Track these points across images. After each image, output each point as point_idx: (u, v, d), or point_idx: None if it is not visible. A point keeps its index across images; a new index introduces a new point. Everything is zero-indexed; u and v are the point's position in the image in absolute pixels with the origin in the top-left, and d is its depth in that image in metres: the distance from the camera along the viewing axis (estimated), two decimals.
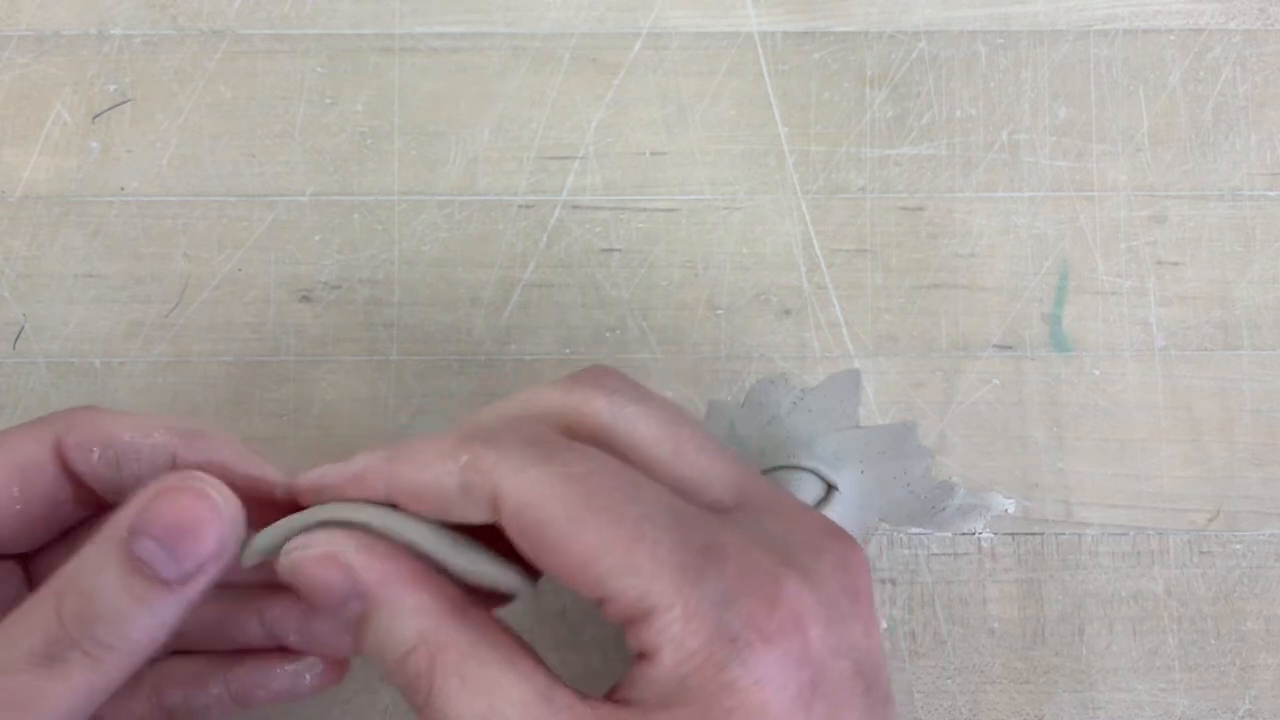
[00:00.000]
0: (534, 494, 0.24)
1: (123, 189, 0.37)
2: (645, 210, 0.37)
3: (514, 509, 0.24)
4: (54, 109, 0.37)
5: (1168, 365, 0.36)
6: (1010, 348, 0.36)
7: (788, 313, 0.36)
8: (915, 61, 0.38)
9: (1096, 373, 0.36)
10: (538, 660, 0.24)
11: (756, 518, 0.26)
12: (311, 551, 0.25)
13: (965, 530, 0.36)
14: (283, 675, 0.29)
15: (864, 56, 0.38)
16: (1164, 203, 0.37)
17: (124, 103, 0.37)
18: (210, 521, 0.25)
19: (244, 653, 0.30)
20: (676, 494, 0.25)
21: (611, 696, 0.24)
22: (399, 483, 0.25)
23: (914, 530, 0.36)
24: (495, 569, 0.25)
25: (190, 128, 0.37)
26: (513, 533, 0.24)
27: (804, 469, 0.35)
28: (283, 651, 0.29)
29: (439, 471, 0.25)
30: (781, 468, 0.35)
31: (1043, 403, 0.36)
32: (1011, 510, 0.36)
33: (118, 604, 0.24)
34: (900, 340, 0.36)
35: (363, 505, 0.26)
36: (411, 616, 0.24)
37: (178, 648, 0.30)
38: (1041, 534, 0.36)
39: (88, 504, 0.28)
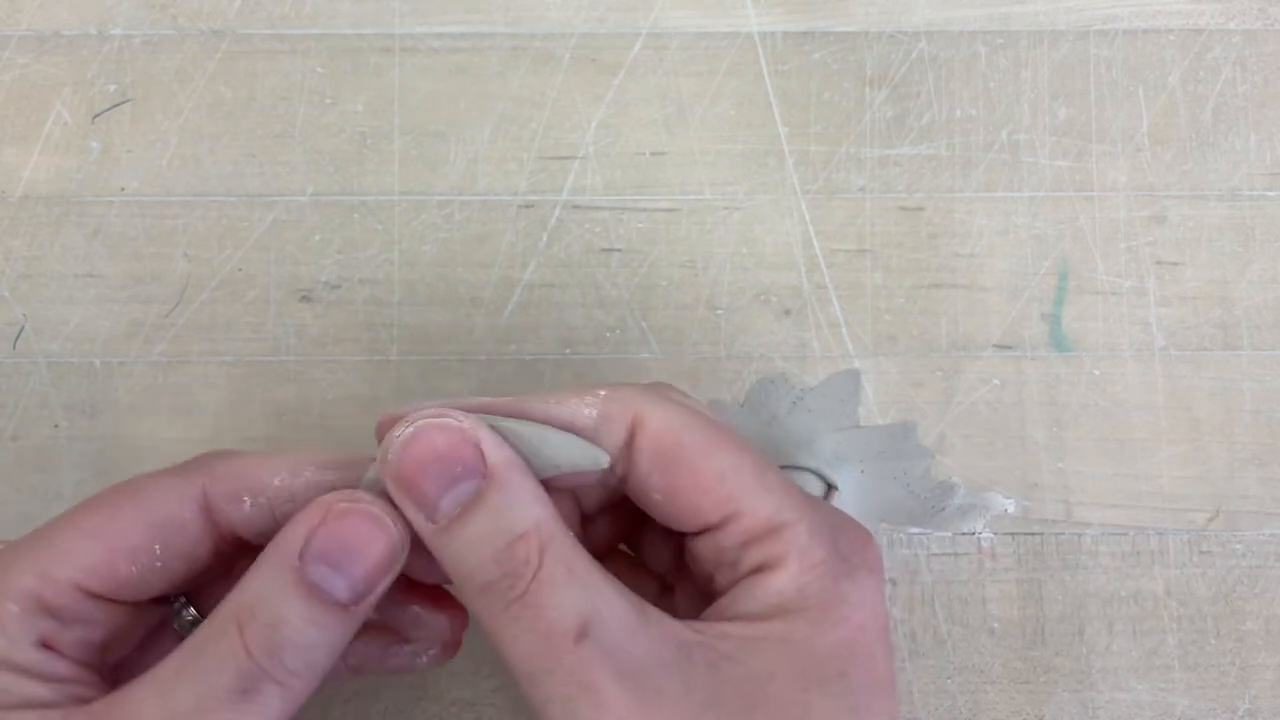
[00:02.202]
0: (674, 420, 0.26)
1: (123, 189, 0.37)
2: (645, 210, 0.37)
3: (656, 432, 0.26)
4: (54, 109, 0.37)
5: (1167, 365, 0.36)
6: (1010, 348, 0.36)
7: (788, 313, 0.36)
8: (915, 61, 0.38)
9: (1096, 373, 0.36)
10: (635, 591, 0.25)
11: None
12: (447, 421, 0.25)
13: (965, 530, 0.36)
14: (400, 654, 0.30)
15: (864, 56, 0.38)
16: (1164, 203, 0.37)
17: (124, 103, 0.37)
18: (379, 540, 0.25)
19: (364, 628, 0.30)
20: None
21: (701, 618, 0.26)
22: (534, 412, 0.26)
23: (914, 530, 0.36)
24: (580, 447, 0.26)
25: (190, 128, 0.37)
26: (646, 456, 0.26)
27: (804, 469, 0.35)
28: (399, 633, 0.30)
29: (574, 405, 0.26)
30: (782, 467, 0.35)
31: (1043, 403, 0.36)
32: (1011, 510, 0.36)
33: (302, 631, 0.25)
34: (900, 340, 0.36)
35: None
36: (529, 503, 0.25)
37: None
38: (1041, 534, 0.36)
39: (226, 552, 0.28)
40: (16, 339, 0.36)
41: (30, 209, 0.36)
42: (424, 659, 0.29)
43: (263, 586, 0.25)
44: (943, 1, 0.38)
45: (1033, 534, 0.36)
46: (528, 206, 0.37)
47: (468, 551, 0.25)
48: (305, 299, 0.36)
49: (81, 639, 0.26)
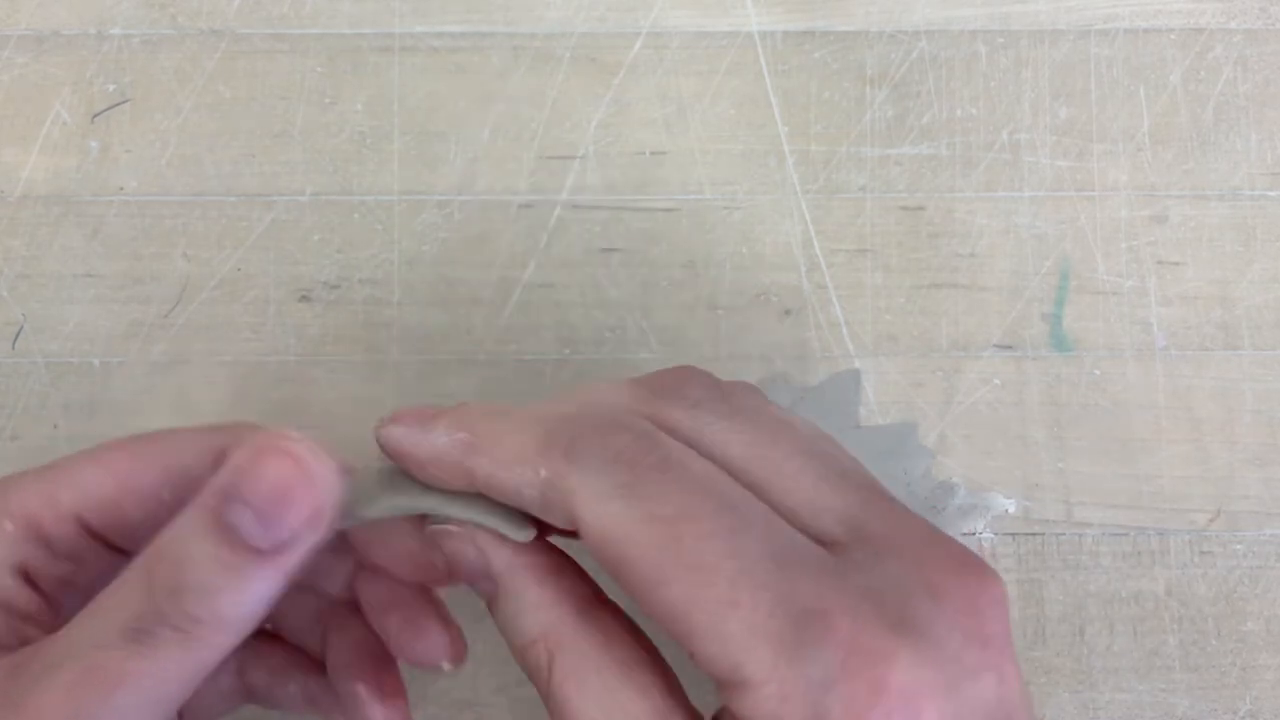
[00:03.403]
0: (615, 532, 0.22)
1: (122, 189, 0.37)
2: (645, 210, 0.37)
3: (594, 543, 0.22)
4: (53, 109, 0.37)
5: (1168, 365, 0.36)
6: (1011, 347, 0.36)
7: (788, 313, 0.36)
8: (915, 61, 0.38)
9: (1097, 372, 0.36)
10: (661, 671, 0.23)
11: (871, 560, 0.22)
12: (449, 528, 0.25)
13: (966, 530, 0.36)
14: (292, 695, 0.29)
15: (864, 56, 0.38)
16: (1165, 202, 0.37)
17: (123, 102, 0.37)
18: (304, 485, 0.23)
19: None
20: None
21: None
22: (477, 476, 0.24)
23: None
24: (501, 520, 0.25)
25: (190, 127, 0.37)
26: (594, 558, 0.23)
27: None
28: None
29: (518, 479, 0.23)
30: None
31: (1043, 403, 0.36)
32: (1012, 510, 0.36)
33: (208, 574, 0.23)
34: (900, 340, 0.36)
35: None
36: (535, 610, 0.24)
37: (273, 628, 0.29)
38: (1042, 534, 0.36)
39: None
40: (15, 339, 0.36)
41: (29, 209, 0.36)
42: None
43: (180, 525, 0.23)
44: (943, 1, 0.38)
45: (1033, 534, 0.36)
46: (528, 206, 0.37)
47: (504, 635, 0.25)
48: (305, 299, 0.36)
49: (63, 577, 0.25)
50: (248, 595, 0.23)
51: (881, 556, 0.22)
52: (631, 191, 0.37)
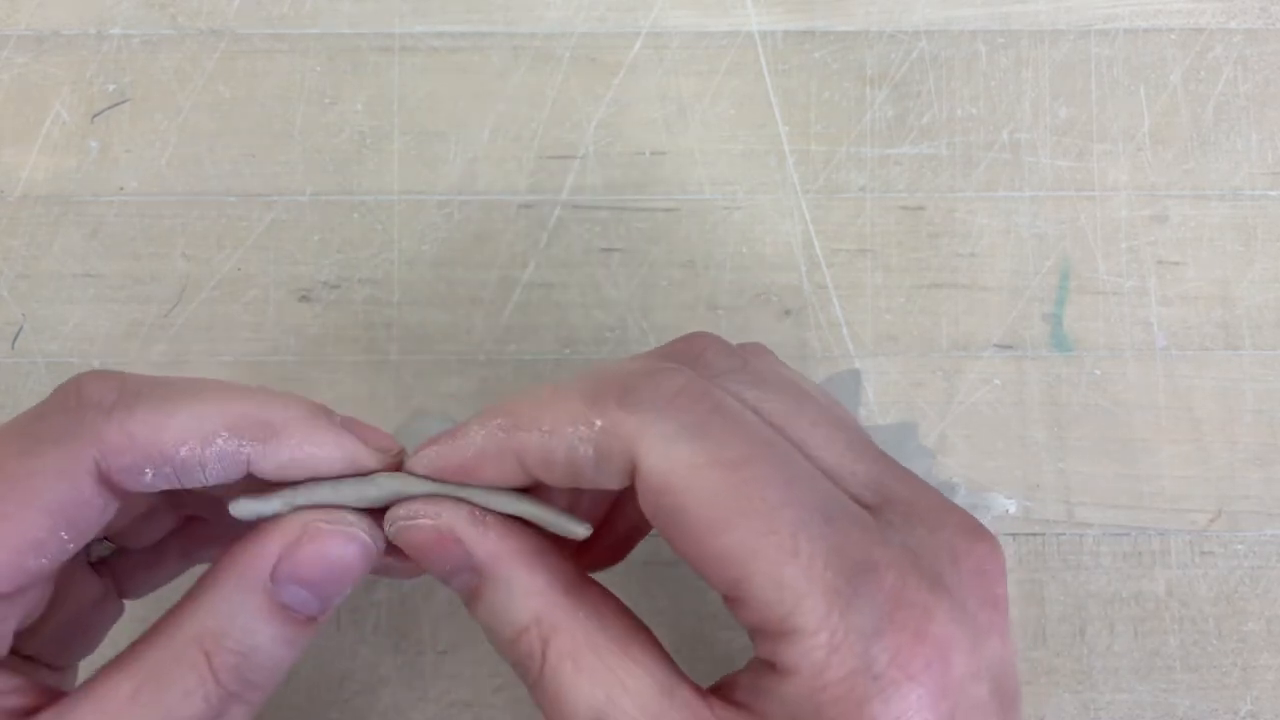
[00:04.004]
0: (679, 477, 0.21)
1: (122, 189, 0.37)
2: (645, 210, 0.37)
3: (654, 488, 0.22)
4: (53, 108, 0.37)
5: (1169, 365, 0.36)
6: (1011, 347, 0.36)
7: (788, 313, 0.36)
8: (915, 61, 0.38)
9: (1097, 373, 0.36)
10: (657, 647, 0.23)
11: (901, 522, 0.23)
12: (420, 523, 0.24)
13: None
14: None
15: (864, 56, 0.38)
16: (1165, 202, 0.37)
17: (123, 102, 0.37)
18: (355, 555, 0.24)
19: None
20: None
21: (732, 697, 0.23)
22: (528, 457, 0.23)
23: None
24: (551, 513, 0.24)
25: (189, 127, 0.37)
26: (646, 507, 0.22)
27: None
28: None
29: (571, 437, 0.23)
30: None
31: (1044, 403, 0.36)
32: (1012, 510, 0.36)
33: (274, 653, 0.24)
34: (901, 340, 0.36)
35: (379, 477, 0.25)
36: (524, 597, 0.23)
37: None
38: (1042, 534, 0.36)
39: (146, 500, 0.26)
40: (15, 339, 0.36)
41: (29, 208, 0.36)
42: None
43: (230, 610, 0.23)
44: (943, 1, 0.38)
45: (1034, 534, 0.36)
46: (527, 206, 0.37)
47: (487, 630, 0.24)
48: (304, 299, 0.36)
49: (10, 615, 0.25)
50: (301, 650, 0.24)
51: (909, 519, 0.23)
52: (631, 191, 0.37)
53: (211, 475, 0.24)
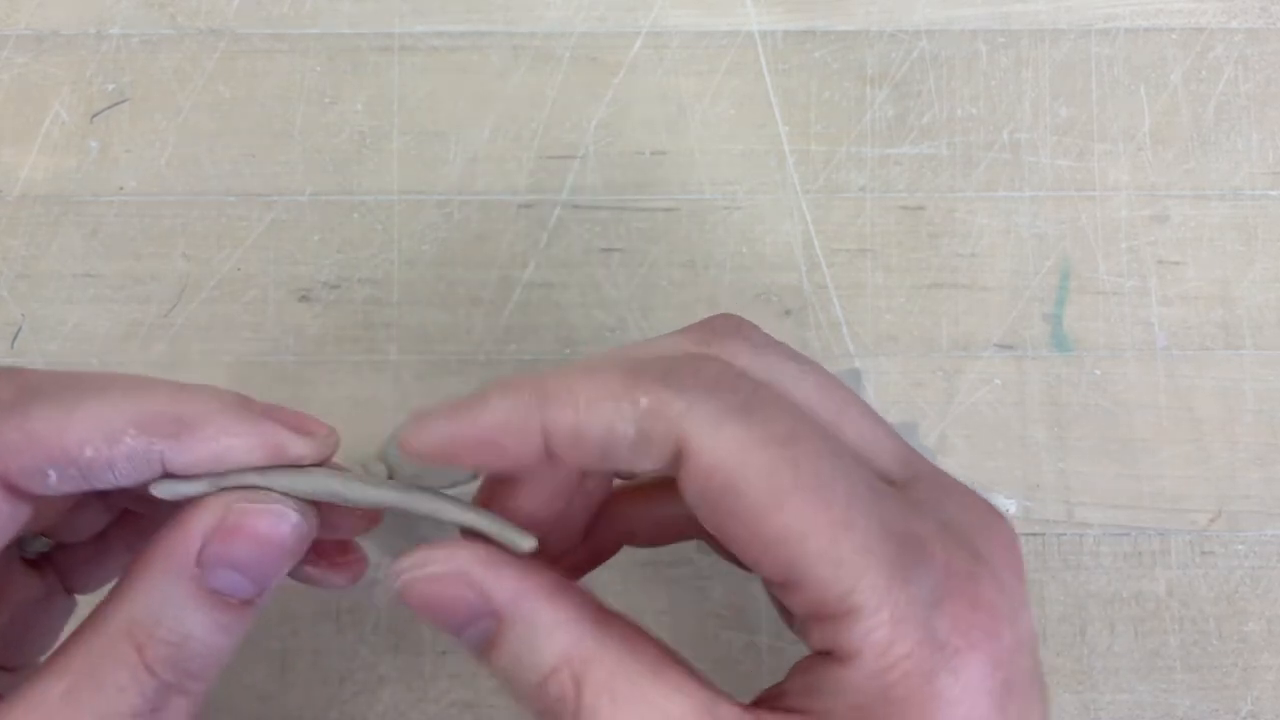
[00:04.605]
0: (731, 456, 0.21)
1: (121, 188, 0.36)
2: (645, 210, 0.37)
3: (703, 469, 0.21)
4: (53, 108, 0.37)
5: (1169, 365, 0.36)
6: (1011, 347, 0.36)
7: (788, 313, 0.36)
8: (916, 61, 0.38)
9: (1098, 373, 0.36)
10: (688, 668, 0.22)
11: (932, 497, 0.23)
12: (432, 570, 0.22)
13: None
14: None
15: (864, 56, 0.38)
16: (1165, 202, 0.37)
17: (122, 102, 0.37)
18: (285, 532, 0.23)
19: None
20: None
21: (782, 704, 0.22)
22: (558, 434, 0.22)
23: None
24: (497, 524, 0.23)
25: (189, 127, 0.37)
26: (693, 492, 0.21)
27: None
28: None
29: (611, 416, 0.21)
30: None
31: (1044, 403, 0.36)
32: (1013, 511, 0.36)
33: (208, 641, 0.23)
34: (901, 340, 0.36)
35: (311, 471, 0.24)
36: (552, 634, 0.22)
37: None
38: (1043, 534, 0.36)
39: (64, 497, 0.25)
40: (15, 339, 0.36)
41: (28, 208, 0.36)
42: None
43: (159, 599, 0.22)
44: (943, 0, 0.38)
45: (1034, 534, 0.35)
46: (527, 206, 0.37)
47: (508, 681, 0.22)
48: (304, 299, 0.36)
49: None
50: (240, 636, 0.23)
51: (938, 495, 0.23)
52: (631, 191, 0.37)
53: (122, 475, 0.23)
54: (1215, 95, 0.38)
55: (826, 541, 0.20)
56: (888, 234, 0.37)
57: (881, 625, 0.20)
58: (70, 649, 0.23)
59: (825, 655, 0.21)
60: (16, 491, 0.23)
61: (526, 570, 0.23)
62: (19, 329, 0.36)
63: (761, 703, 0.22)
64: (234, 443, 0.23)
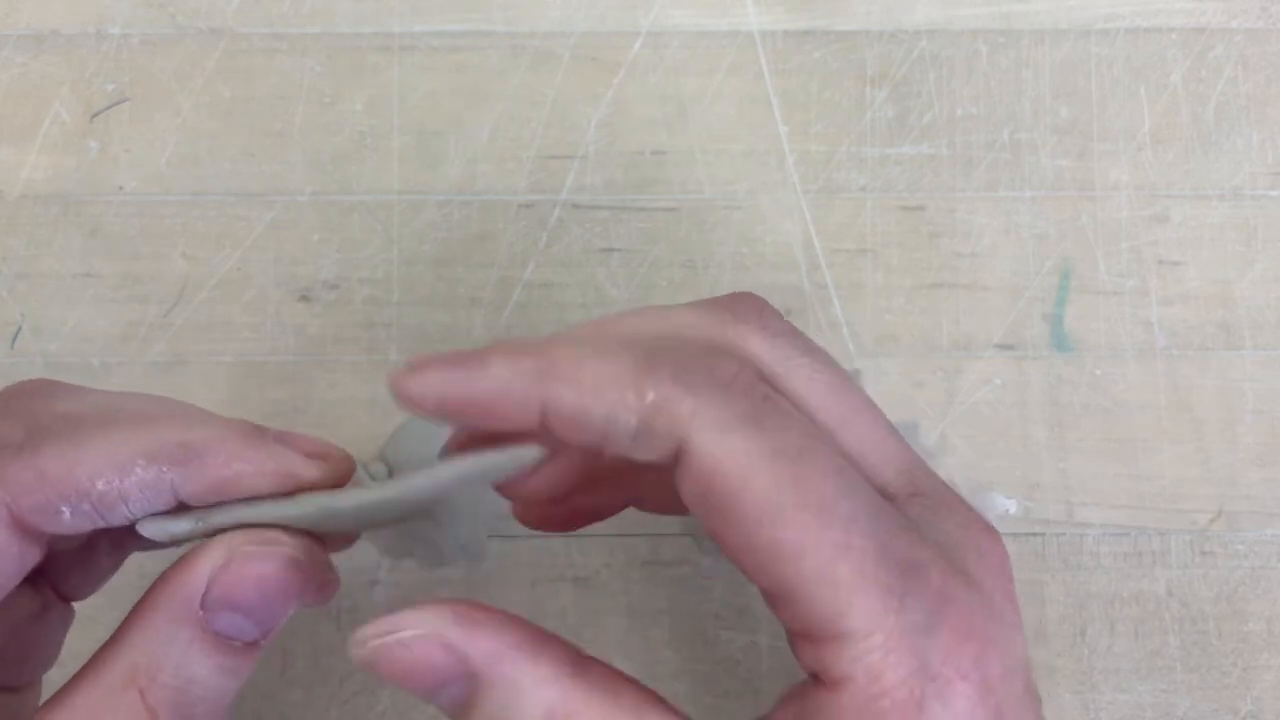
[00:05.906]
0: (736, 464, 0.20)
1: (121, 188, 0.36)
2: (645, 210, 0.37)
3: (704, 472, 0.20)
4: (52, 108, 0.37)
5: (1170, 365, 0.36)
6: (1011, 347, 0.36)
7: (788, 312, 0.36)
8: (916, 60, 0.38)
9: (1098, 372, 0.36)
10: (666, 704, 0.22)
11: (930, 515, 0.23)
12: (404, 635, 0.21)
13: None
14: None
15: (864, 55, 0.38)
16: (1166, 202, 0.37)
17: (122, 102, 0.37)
18: (291, 575, 0.23)
19: None
20: None
21: None
22: (559, 412, 0.21)
23: None
24: (496, 454, 0.22)
25: (189, 127, 0.37)
26: (690, 490, 0.21)
27: None
28: None
29: (615, 404, 0.21)
30: None
31: (1044, 403, 0.36)
32: (1013, 511, 0.36)
33: (212, 684, 0.22)
34: (901, 340, 0.36)
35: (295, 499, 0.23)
36: (535, 691, 0.21)
37: None
38: (1043, 534, 0.36)
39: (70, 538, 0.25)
40: (14, 339, 0.36)
41: (28, 208, 0.36)
42: None
43: (162, 643, 0.22)
44: (943, 0, 0.38)
45: (1034, 534, 0.35)
46: (527, 206, 0.37)
47: None
48: (304, 299, 0.36)
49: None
50: (244, 676, 0.23)
51: (937, 512, 0.23)
52: (631, 191, 0.37)
53: (136, 507, 0.23)
54: (1215, 95, 0.38)
55: (824, 561, 0.20)
56: (888, 234, 0.37)
57: (874, 651, 0.20)
58: (72, 692, 0.22)
59: (814, 682, 0.21)
60: (30, 531, 0.23)
61: (502, 626, 0.22)
62: (18, 329, 0.36)
63: None
64: (244, 468, 0.23)
